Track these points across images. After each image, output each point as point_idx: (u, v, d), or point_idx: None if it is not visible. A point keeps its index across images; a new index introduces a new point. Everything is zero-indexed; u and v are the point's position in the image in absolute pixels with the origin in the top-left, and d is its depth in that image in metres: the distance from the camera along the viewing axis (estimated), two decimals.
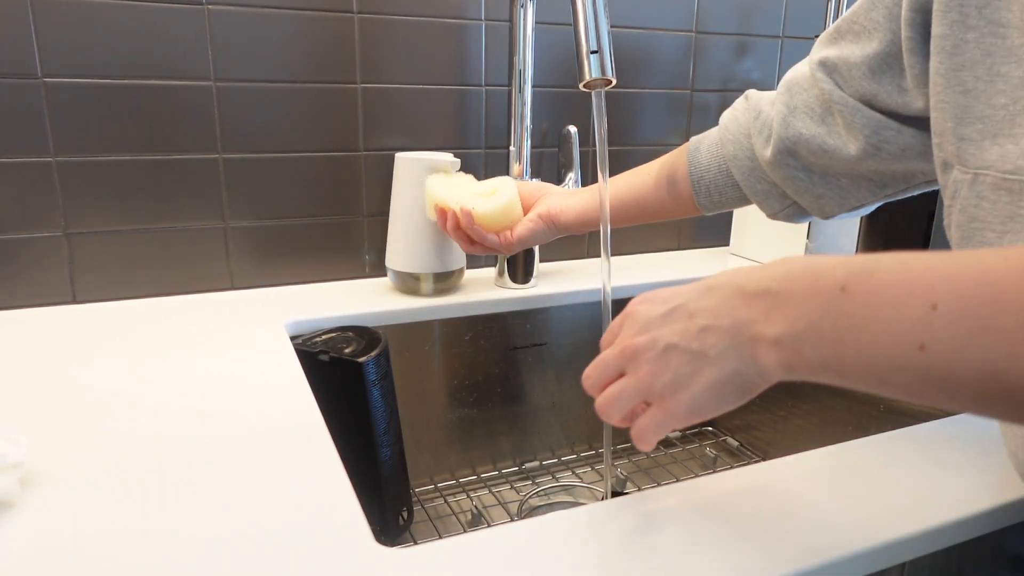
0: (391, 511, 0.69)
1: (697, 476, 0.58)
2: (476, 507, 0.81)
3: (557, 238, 0.73)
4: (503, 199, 0.71)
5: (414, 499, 0.82)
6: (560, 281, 0.89)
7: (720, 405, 0.35)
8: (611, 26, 0.92)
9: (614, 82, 0.60)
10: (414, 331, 0.79)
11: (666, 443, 0.97)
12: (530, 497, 0.84)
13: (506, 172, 0.87)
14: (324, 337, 0.68)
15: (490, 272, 0.92)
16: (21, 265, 0.74)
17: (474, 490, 0.85)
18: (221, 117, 0.77)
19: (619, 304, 0.89)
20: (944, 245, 0.43)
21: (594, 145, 0.97)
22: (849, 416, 0.78)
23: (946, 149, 0.41)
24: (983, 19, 0.39)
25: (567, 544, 0.39)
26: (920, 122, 0.47)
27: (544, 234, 0.71)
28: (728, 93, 1.03)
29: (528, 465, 0.90)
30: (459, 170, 0.80)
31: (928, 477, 0.47)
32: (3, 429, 0.43)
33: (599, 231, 0.58)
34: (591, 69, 0.59)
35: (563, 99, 0.93)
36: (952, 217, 0.41)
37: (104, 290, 0.77)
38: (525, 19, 0.78)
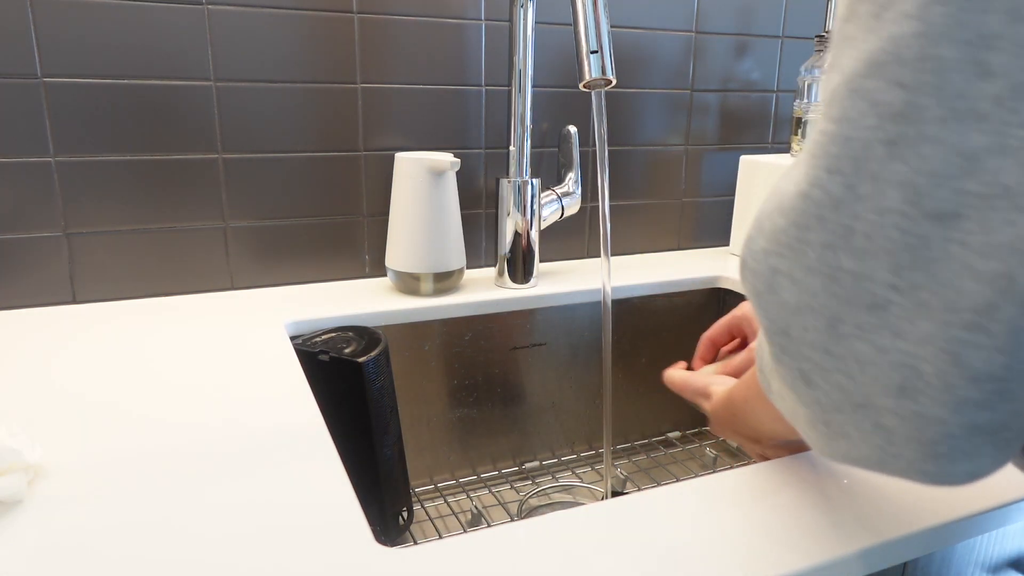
0: (391, 511, 0.69)
1: (697, 476, 0.58)
2: (476, 507, 0.81)
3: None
4: None
5: (414, 499, 0.82)
6: (560, 281, 0.89)
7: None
8: (611, 26, 0.93)
9: (614, 82, 0.60)
10: (414, 331, 0.79)
11: (666, 443, 0.97)
12: (530, 497, 0.84)
13: (506, 172, 0.87)
14: (324, 337, 0.68)
15: (490, 272, 0.92)
16: (21, 265, 0.74)
17: (474, 490, 0.85)
18: (221, 117, 0.77)
19: (620, 303, 0.90)
20: None
21: (594, 145, 0.97)
22: None
23: None
24: None
25: (567, 544, 0.39)
26: None
27: None
28: (728, 93, 1.03)
29: (528, 465, 0.90)
30: (459, 170, 0.80)
31: None
32: (16, 433, 0.44)
33: (600, 231, 0.58)
34: (591, 69, 0.59)
35: (563, 99, 0.93)
36: None
37: (104, 290, 0.77)
38: (525, 19, 0.78)
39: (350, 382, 0.64)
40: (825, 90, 0.26)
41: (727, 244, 1.08)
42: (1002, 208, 0.21)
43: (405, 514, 0.71)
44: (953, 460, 0.26)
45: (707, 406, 0.56)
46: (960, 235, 0.22)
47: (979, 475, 0.27)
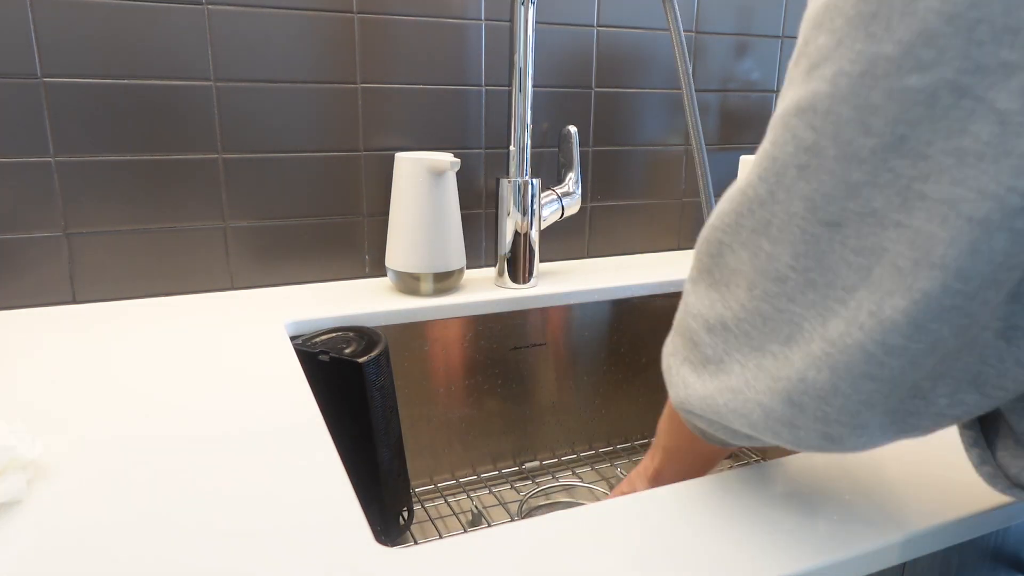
0: (391, 511, 0.69)
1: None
2: (476, 507, 0.81)
3: None
4: None
5: (414, 499, 0.82)
6: (560, 281, 0.89)
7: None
8: (611, 26, 0.93)
9: None
10: (414, 331, 0.79)
11: None
12: (530, 497, 0.84)
13: (506, 172, 0.87)
14: (324, 337, 0.68)
15: (490, 272, 0.92)
16: (21, 265, 0.74)
17: (474, 490, 0.85)
18: (221, 117, 0.77)
19: (620, 303, 0.90)
20: None
21: (594, 145, 0.97)
22: None
23: None
24: None
25: (567, 544, 0.39)
26: None
27: None
28: (728, 93, 1.03)
29: (528, 465, 0.90)
30: (459, 170, 0.80)
31: (928, 477, 0.47)
32: (16, 429, 0.43)
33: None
34: None
35: (563, 99, 0.93)
36: None
37: (104, 290, 0.77)
38: (525, 19, 0.78)
39: (350, 382, 0.64)
40: (775, 112, 0.34)
41: None
42: (870, 223, 0.30)
43: (405, 514, 0.71)
44: (797, 394, 0.33)
45: (641, 482, 0.56)
46: (841, 237, 0.31)
47: (824, 419, 0.33)
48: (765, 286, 0.34)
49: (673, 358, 0.42)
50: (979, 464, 0.38)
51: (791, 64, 0.33)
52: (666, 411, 0.52)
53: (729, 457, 0.94)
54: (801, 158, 0.31)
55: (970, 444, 0.39)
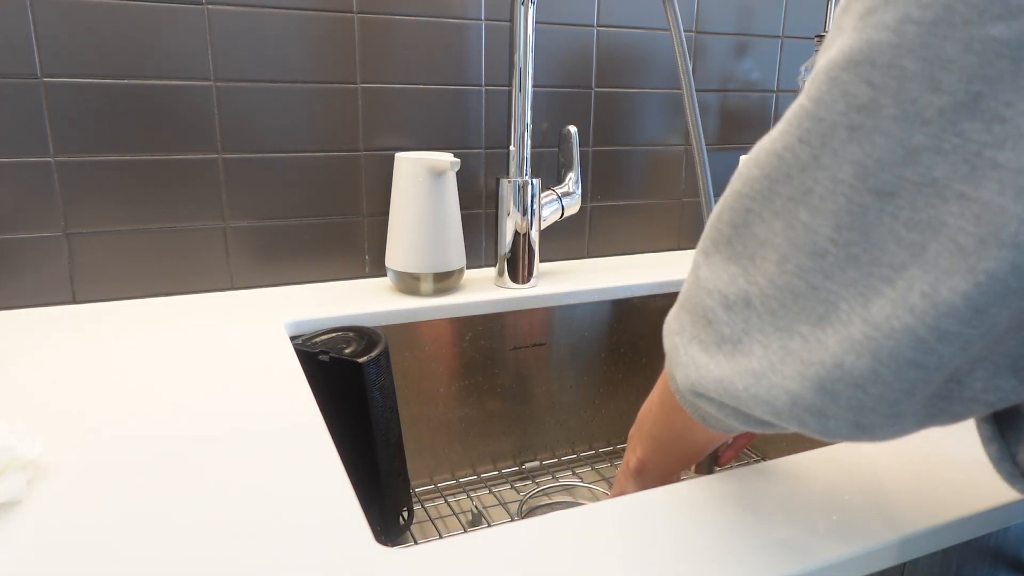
0: (391, 511, 0.69)
1: (697, 476, 0.58)
2: (476, 507, 0.81)
3: None
4: None
5: (414, 499, 0.82)
6: (560, 281, 0.89)
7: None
8: (611, 26, 0.93)
9: None
10: (414, 331, 0.79)
11: None
12: (530, 497, 0.84)
13: (506, 172, 0.87)
14: (324, 337, 0.68)
15: (490, 272, 0.92)
16: (21, 265, 0.74)
17: (474, 490, 0.85)
18: (221, 117, 0.77)
19: (620, 303, 0.90)
20: None
21: (594, 145, 0.97)
22: None
23: None
24: None
25: (567, 544, 0.39)
26: None
27: None
28: (728, 93, 1.03)
29: (528, 465, 0.90)
30: (459, 170, 0.80)
31: (928, 476, 0.47)
32: (16, 429, 0.43)
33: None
34: None
35: (563, 99, 0.93)
36: None
37: (104, 290, 0.77)
38: (525, 19, 0.78)
39: (350, 382, 0.64)
40: (816, 66, 0.30)
41: None
42: (928, 194, 0.27)
43: (405, 514, 0.71)
44: (831, 381, 0.30)
45: (628, 482, 0.54)
46: (892, 209, 0.27)
47: (853, 406, 0.30)
48: (799, 260, 0.30)
49: (679, 336, 0.38)
50: (998, 460, 0.36)
51: (838, 10, 0.30)
52: (655, 398, 0.49)
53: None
54: (853, 118, 0.28)
55: (988, 439, 0.37)
